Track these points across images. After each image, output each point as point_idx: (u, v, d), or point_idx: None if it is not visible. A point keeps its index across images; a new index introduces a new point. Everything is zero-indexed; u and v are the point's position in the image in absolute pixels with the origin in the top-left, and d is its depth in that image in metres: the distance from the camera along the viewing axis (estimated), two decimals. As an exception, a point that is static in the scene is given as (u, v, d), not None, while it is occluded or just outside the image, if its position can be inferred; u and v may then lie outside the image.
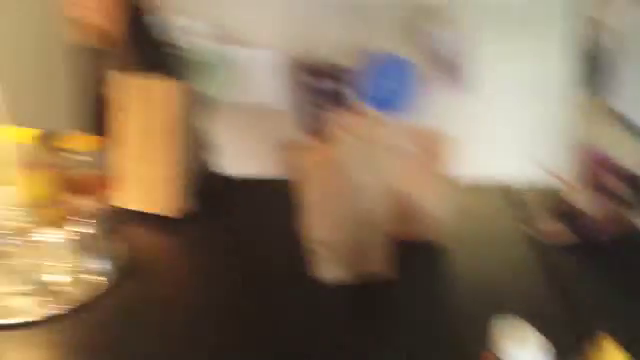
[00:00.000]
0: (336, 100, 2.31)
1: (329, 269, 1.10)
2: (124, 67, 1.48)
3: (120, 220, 1.28)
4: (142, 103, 1.26)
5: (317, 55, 2.28)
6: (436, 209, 1.18)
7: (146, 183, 1.29)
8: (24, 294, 1.08)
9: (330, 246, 1.09)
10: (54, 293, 1.09)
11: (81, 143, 1.39)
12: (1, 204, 1.13)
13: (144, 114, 1.27)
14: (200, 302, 1.08)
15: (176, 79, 1.36)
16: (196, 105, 1.32)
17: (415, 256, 1.16)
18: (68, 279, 1.12)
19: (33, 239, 1.16)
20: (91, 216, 1.17)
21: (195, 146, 1.33)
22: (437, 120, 1.43)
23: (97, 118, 1.39)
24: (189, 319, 1.03)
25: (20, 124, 1.26)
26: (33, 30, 1.88)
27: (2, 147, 1.15)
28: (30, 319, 1.03)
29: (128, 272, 1.15)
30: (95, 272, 1.14)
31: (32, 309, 1.06)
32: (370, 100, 2.29)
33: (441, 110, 1.55)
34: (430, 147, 1.18)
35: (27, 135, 1.27)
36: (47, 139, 1.35)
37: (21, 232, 1.13)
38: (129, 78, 1.29)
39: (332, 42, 2.29)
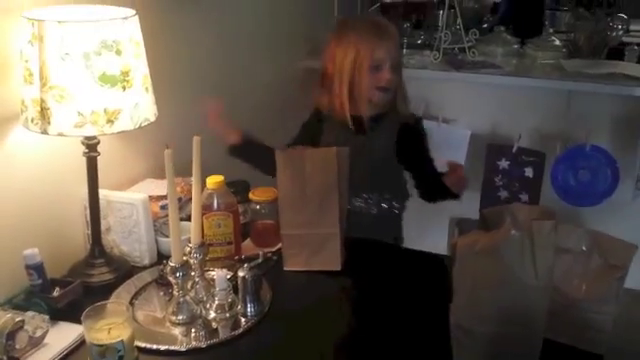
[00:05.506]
0: (522, 186, 2.20)
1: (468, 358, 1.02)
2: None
3: (271, 266, 1.33)
4: (304, 170, 1.34)
5: (511, 140, 2.21)
6: (600, 317, 1.04)
7: (309, 243, 1.35)
8: (180, 323, 1.16)
9: (475, 337, 1.01)
10: (201, 326, 1.16)
11: (262, 195, 1.49)
12: (183, 239, 1.21)
13: (307, 180, 1.34)
14: (327, 350, 1.11)
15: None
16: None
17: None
18: (216, 315, 1.18)
19: (204, 275, 1.25)
20: (253, 261, 1.22)
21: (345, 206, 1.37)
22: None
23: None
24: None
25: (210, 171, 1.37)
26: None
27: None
28: (173, 347, 1.10)
29: (268, 316, 1.20)
30: (240, 313, 1.19)
31: (179, 338, 1.13)
32: (561, 189, 2.12)
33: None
34: (609, 255, 1.06)
35: (214, 180, 1.38)
36: (233, 187, 1.46)
37: (197, 267, 1.21)
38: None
39: (531, 130, 2.20)
